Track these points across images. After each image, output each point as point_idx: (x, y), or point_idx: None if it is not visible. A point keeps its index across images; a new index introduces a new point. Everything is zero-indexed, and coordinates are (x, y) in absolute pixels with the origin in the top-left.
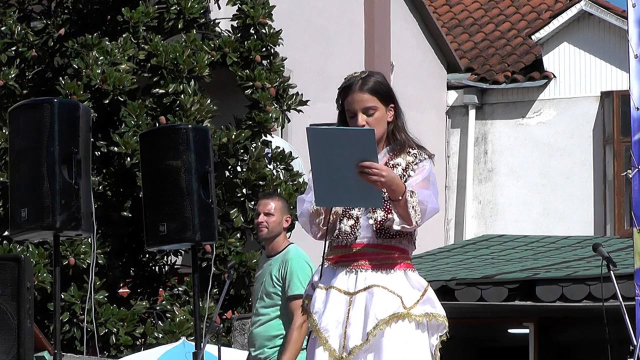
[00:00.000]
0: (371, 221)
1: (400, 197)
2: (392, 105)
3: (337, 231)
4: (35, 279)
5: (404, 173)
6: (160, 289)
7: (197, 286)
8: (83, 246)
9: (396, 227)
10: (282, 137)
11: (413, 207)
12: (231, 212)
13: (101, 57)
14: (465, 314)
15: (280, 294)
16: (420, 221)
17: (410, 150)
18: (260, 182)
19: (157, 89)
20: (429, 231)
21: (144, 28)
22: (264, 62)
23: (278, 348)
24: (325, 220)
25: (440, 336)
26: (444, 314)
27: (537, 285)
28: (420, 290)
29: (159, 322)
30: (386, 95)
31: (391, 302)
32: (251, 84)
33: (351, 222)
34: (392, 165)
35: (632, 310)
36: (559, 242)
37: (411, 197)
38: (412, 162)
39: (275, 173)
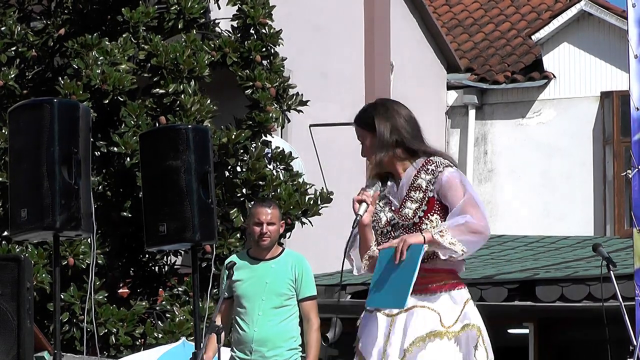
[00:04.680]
0: None
1: (424, 242)
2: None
3: None
4: (35, 279)
5: (424, 196)
6: (160, 289)
7: (197, 286)
8: (82, 246)
9: (443, 257)
10: (282, 137)
11: (450, 243)
12: (231, 212)
13: (101, 57)
14: None
15: (293, 295)
16: (467, 249)
17: (428, 166)
18: (260, 182)
19: (157, 89)
20: None
21: (144, 28)
22: (264, 62)
23: (295, 350)
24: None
25: (478, 347)
26: (478, 324)
27: (537, 285)
28: (461, 306)
29: (159, 322)
30: (367, 121)
31: (430, 319)
32: (251, 84)
33: None
34: (415, 187)
35: (632, 310)
36: (559, 242)
37: (441, 237)
38: (430, 180)
39: (275, 173)
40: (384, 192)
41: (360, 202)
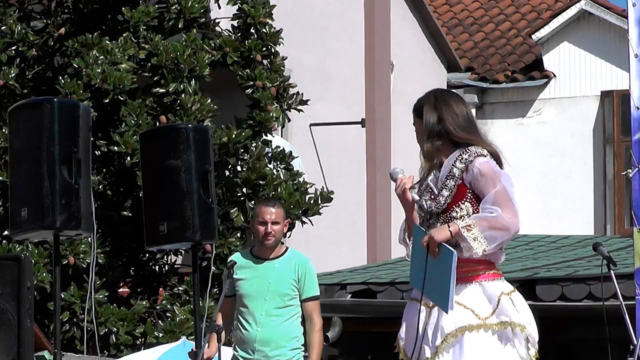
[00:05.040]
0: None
1: (450, 237)
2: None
3: None
4: (35, 278)
5: (455, 184)
6: (160, 289)
7: (197, 286)
8: (83, 246)
9: (466, 254)
10: (282, 136)
11: (475, 239)
12: (231, 211)
13: (101, 57)
14: None
15: (296, 295)
16: (490, 247)
17: (463, 155)
18: (261, 182)
19: (157, 89)
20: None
21: (144, 27)
22: (265, 61)
23: (298, 350)
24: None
25: (529, 347)
26: (525, 322)
27: (537, 284)
28: (494, 299)
29: (159, 321)
30: (418, 109)
31: (460, 315)
32: (252, 83)
33: None
34: (450, 176)
35: (632, 310)
36: (559, 242)
37: (468, 231)
38: (462, 169)
39: (275, 172)
40: (426, 181)
41: (410, 188)
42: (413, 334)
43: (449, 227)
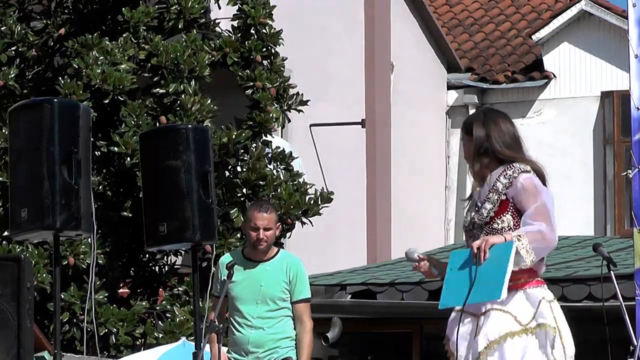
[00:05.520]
0: None
1: (504, 242)
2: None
3: None
4: (35, 279)
5: (499, 198)
6: (160, 289)
7: (197, 286)
8: (83, 246)
9: (522, 265)
10: (282, 137)
11: (525, 249)
12: (231, 212)
13: (101, 57)
14: None
15: (287, 297)
16: (535, 258)
17: (507, 171)
18: (261, 182)
19: (157, 89)
20: (429, 231)
21: (144, 28)
22: (265, 62)
23: (291, 347)
24: None
25: (554, 347)
26: (554, 324)
27: None
28: (536, 304)
29: (159, 322)
30: (467, 126)
31: (502, 321)
32: (252, 84)
33: None
34: (494, 190)
35: (632, 310)
36: (559, 242)
37: (519, 240)
38: (506, 184)
39: (275, 173)
40: (472, 196)
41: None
42: (464, 343)
43: (503, 235)
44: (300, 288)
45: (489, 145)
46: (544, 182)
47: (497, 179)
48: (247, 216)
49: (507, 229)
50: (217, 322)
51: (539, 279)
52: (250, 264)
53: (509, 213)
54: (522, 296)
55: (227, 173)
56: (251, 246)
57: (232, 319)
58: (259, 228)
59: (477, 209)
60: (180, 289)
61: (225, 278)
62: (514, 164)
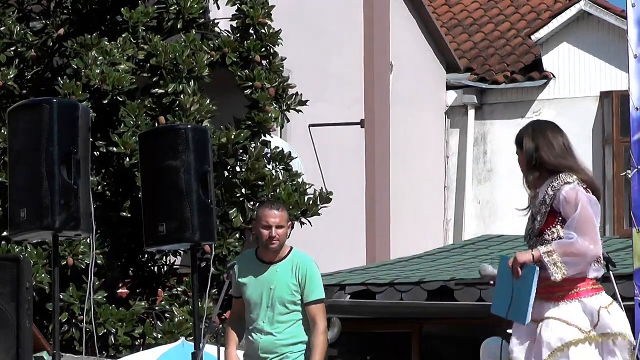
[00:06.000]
0: None
1: (533, 260)
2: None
3: None
4: (34, 279)
5: (546, 210)
6: (160, 290)
7: (196, 286)
8: (82, 246)
9: (552, 279)
10: (281, 137)
11: (555, 265)
12: (230, 212)
13: (100, 58)
14: (465, 314)
15: (299, 300)
16: (570, 272)
17: (553, 182)
18: (260, 183)
19: (156, 89)
20: (428, 231)
21: (144, 28)
22: (264, 62)
23: (302, 351)
24: None
25: (634, 352)
26: (625, 330)
27: None
28: (595, 313)
29: (158, 322)
30: (518, 140)
31: (565, 331)
32: (251, 84)
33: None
34: (543, 202)
35: (632, 311)
36: None
37: (549, 257)
38: (551, 196)
39: (274, 173)
40: (530, 206)
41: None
42: (525, 349)
43: (532, 252)
44: (312, 289)
45: (538, 157)
46: (594, 191)
47: (545, 191)
48: (258, 216)
49: (557, 239)
50: (218, 322)
51: (594, 286)
52: (262, 266)
53: (559, 224)
54: (578, 305)
55: (226, 173)
56: (263, 246)
57: (247, 324)
58: (271, 226)
59: (533, 219)
60: (179, 289)
61: (239, 279)
62: (560, 175)
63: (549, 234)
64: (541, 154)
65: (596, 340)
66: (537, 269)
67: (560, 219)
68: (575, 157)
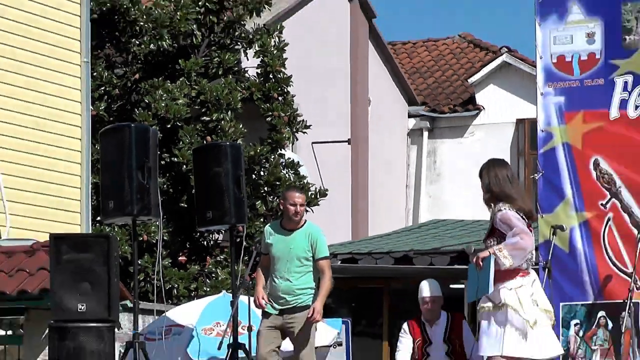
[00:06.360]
0: None
1: (489, 255)
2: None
3: None
4: (120, 250)
5: (491, 226)
6: (208, 257)
7: (233, 255)
8: (153, 227)
9: (502, 268)
10: (292, 151)
11: (505, 257)
12: (256, 203)
13: (164, 95)
14: (420, 275)
15: (310, 257)
16: (515, 261)
17: (495, 208)
18: (277, 183)
19: (204, 117)
20: (395, 217)
21: (195, 74)
22: (280, 98)
23: (311, 295)
24: None
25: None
26: (507, 302)
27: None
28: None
29: (207, 280)
30: (480, 172)
31: (486, 302)
32: (270, 113)
33: None
34: (490, 220)
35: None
36: (485, 225)
37: (500, 251)
38: (493, 218)
39: (287, 176)
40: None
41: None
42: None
43: (488, 249)
44: (321, 249)
45: (488, 185)
46: (525, 213)
47: (493, 212)
48: (286, 196)
49: (495, 245)
50: (248, 279)
51: (518, 273)
52: (285, 232)
53: (497, 235)
54: (498, 287)
55: (253, 176)
56: (288, 218)
57: (271, 273)
58: (296, 204)
59: (486, 231)
60: (221, 257)
61: (267, 241)
62: (499, 204)
63: (491, 241)
64: (490, 183)
65: (489, 311)
66: (493, 257)
67: (498, 232)
68: (517, 185)
